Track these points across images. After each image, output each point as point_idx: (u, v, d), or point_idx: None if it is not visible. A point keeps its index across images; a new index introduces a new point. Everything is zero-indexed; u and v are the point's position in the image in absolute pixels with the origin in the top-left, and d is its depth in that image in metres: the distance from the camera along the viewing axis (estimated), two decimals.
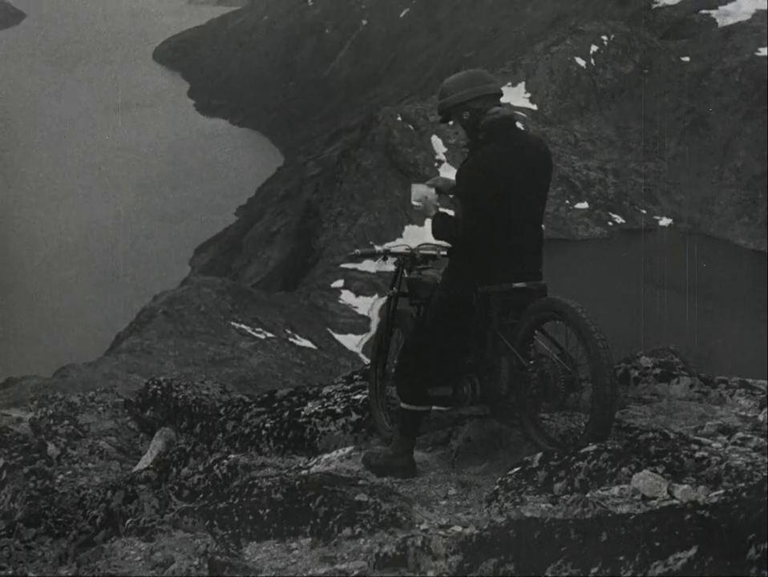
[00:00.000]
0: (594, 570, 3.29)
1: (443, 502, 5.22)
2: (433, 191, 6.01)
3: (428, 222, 5.98)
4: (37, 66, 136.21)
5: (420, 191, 6.02)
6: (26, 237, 78.82)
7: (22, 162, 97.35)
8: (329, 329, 48.54)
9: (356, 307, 50.35)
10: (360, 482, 5.32)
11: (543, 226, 5.86)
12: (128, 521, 5.46)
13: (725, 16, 65.86)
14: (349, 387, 7.38)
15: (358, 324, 49.02)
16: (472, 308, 5.67)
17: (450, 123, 5.85)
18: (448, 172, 53.73)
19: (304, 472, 5.83)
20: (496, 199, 5.55)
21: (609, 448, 4.78)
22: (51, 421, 9.08)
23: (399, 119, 61.07)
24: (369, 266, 50.50)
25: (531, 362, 5.44)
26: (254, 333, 45.19)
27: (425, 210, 6.02)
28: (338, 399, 7.08)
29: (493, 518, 4.50)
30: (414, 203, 6.08)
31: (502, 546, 3.66)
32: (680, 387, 6.43)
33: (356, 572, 4.14)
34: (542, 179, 5.76)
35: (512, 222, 5.58)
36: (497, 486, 4.96)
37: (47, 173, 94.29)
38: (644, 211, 56.81)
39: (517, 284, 5.55)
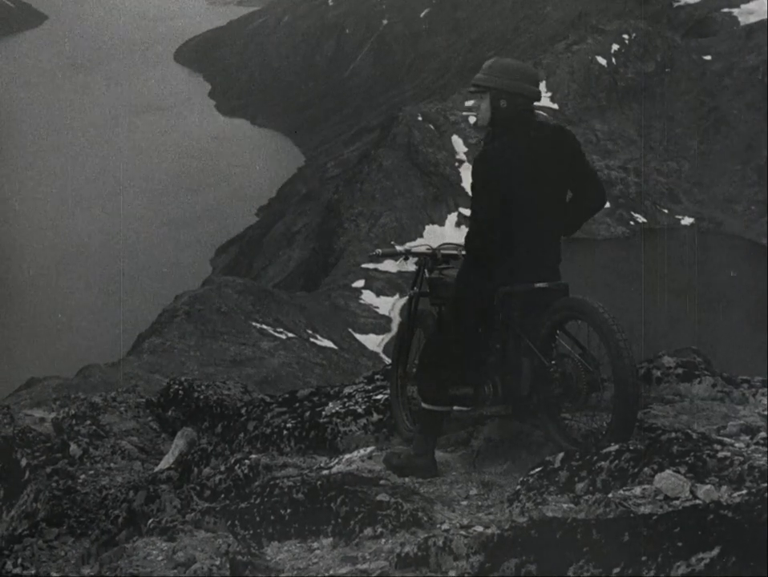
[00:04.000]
0: (616, 570, 3.28)
1: (464, 502, 5.21)
2: None
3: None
4: (57, 68, 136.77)
5: None
6: (50, 238, 79.24)
7: (46, 165, 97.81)
8: (350, 329, 48.58)
9: (377, 307, 50.36)
10: (381, 481, 5.31)
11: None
12: (150, 521, 5.46)
13: (748, 14, 65.61)
14: (370, 387, 7.38)
15: (379, 324, 49.03)
16: (493, 308, 5.64)
17: (473, 100, 5.85)
18: (468, 171, 53.71)
19: (325, 472, 5.82)
20: (509, 192, 5.48)
21: (631, 448, 4.76)
22: (73, 421, 9.10)
23: (420, 118, 61.07)
24: (390, 266, 50.53)
25: (553, 362, 5.42)
26: (275, 333, 45.25)
27: None
28: (359, 399, 7.07)
29: (514, 519, 4.48)
30: None
31: (523, 546, 3.65)
32: (702, 387, 6.39)
33: (377, 572, 4.13)
34: (563, 173, 5.69)
35: (528, 218, 5.53)
36: (519, 486, 4.95)
37: (70, 176, 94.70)
38: (666, 211, 56.62)
39: (539, 284, 5.52)
